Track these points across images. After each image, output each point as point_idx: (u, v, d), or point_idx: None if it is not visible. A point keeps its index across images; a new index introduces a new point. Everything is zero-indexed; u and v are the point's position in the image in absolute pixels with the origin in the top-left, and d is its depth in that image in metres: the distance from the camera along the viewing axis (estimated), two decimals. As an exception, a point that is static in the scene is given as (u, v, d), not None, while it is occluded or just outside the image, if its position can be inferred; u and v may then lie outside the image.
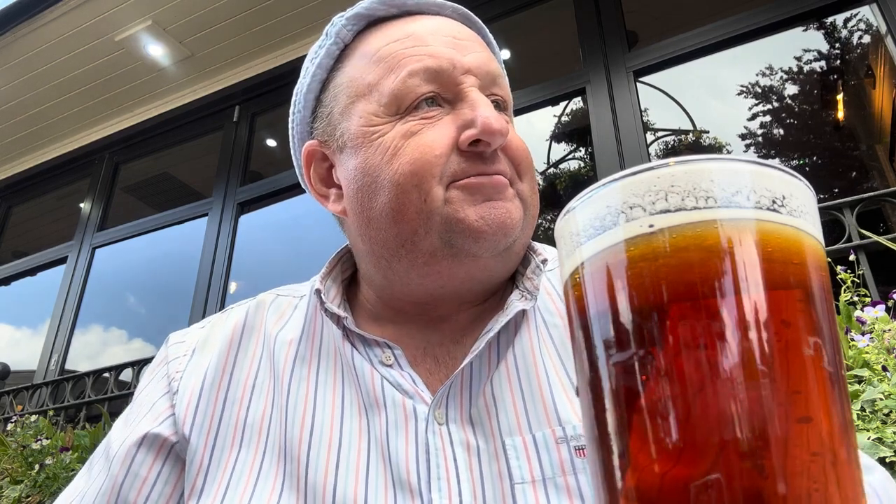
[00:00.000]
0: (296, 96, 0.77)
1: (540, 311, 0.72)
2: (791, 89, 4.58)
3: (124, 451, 0.69)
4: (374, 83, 0.68)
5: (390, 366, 0.68)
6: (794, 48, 4.10)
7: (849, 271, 1.90)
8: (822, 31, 4.05)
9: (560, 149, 4.72)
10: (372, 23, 0.72)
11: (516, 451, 0.61)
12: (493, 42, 0.77)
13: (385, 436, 0.63)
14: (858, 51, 4.22)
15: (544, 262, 0.71)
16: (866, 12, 3.37)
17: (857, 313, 1.70)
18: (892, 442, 1.32)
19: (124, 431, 0.71)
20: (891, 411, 1.39)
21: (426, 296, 0.70)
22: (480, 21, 0.77)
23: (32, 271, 5.46)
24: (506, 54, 4.52)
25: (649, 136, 3.99)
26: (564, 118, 4.49)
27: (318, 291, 0.72)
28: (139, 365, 3.66)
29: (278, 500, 0.61)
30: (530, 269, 0.71)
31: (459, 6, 0.75)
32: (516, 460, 0.60)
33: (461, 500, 0.58)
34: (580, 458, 0.60)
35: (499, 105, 0.71)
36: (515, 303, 0.68)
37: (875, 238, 2.03)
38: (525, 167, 0.69)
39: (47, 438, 3.02)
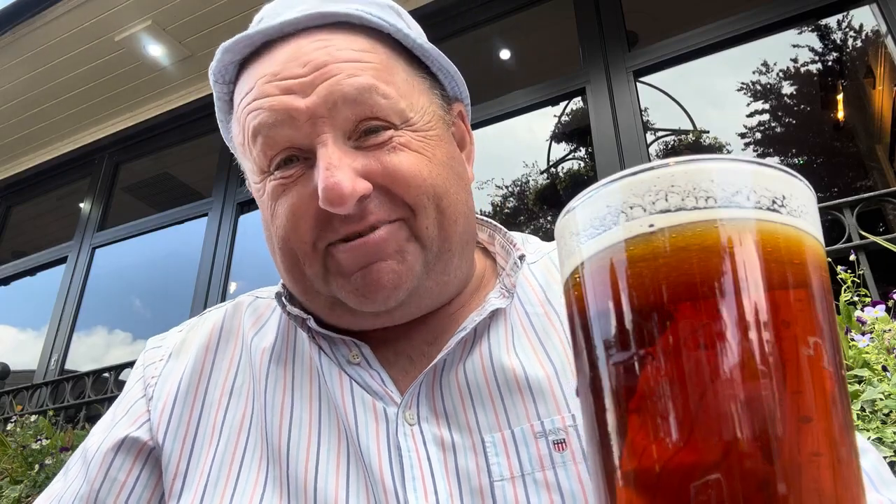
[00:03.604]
0: (218, 118, 0.74)
1: (521, 302, 0.71)
2: (791, 89, 4.58)
3: (101, 455, 0.68)
4: (242, 143, 0.65)
5: (358, 364, 0.66)
6: (794, 48, 4.10)
7: (849, 271, 1.90)
8: (823, 31, 4.05)
9: (560, 149, 4.72)
10: (243, 64, 0.67)
11: (495, 448, 0.60)
12: (380, 22, 0.65)
13: (357, 439, 0.62)
14: (858, 51, 4.22)
15: (521, 257, 0.70)
16: (866, 12, 3.37)
17: (858, 313, 1.70)
18: (892, 442, 1.32)
19: (102, 435, 0.70)
20: (891, 411, 1.39)
21: (361, 327, 0.69)
22: (351, 5, 0.65)
23: (32, 271, 5.46)
24: (506, 54, 4.52)
25: (649, 136, 3.99)
26: (564, 118, 4.49)
27: (278, 294, 0.70)
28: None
29: (261, 497, 0.61)
30: (510, 265, 0.70)
31: (322, 4, 0.64)
32: (495, 457, 0.60)
33: (437, 497, 0.58)
34: (559, 452, 0.59)
35: (373, 130, 0.61)
36: (493, 300, 0.67)
37: (875, 238, 2.03)
38: (419, 199, 0.61)
39: (47, 438, 3.02)
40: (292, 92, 0.60)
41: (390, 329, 0.69)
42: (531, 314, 0.69)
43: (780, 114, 4.67)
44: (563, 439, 0.60)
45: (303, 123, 0.60)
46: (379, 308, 0.63)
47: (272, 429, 0.65)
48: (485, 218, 0.79)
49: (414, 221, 0.62)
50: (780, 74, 4.41)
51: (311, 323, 0.67)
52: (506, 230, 0.77)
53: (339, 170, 0.58)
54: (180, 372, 0.71)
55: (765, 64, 4.33)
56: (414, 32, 0.68)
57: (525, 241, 0.78)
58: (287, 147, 0.61)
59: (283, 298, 0.69)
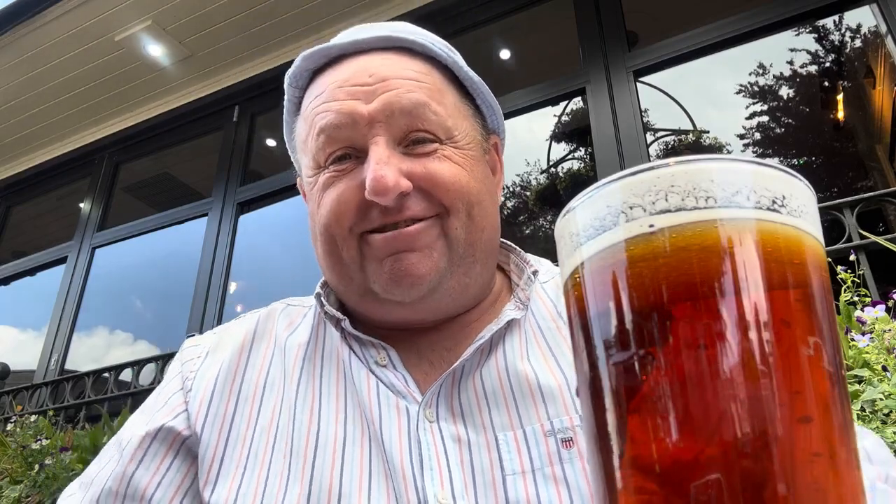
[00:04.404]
0: (284, 115, 0.82)
1: (534, 315, 0.77)
2: (790, 89, 4.58)
3: (137, 441, 0.72)
4: (304, 139, 0.74)
5: (385, 366, 0.72)
6: (793, 49, 4.10)
7: (849, 271, 1.89)
8: (822, 31, 4.05)
9: (560, 149, 4.72)
10: (315, 73, 0.76)
11: (508, 446, 0.65)
12: (440, 52, 0.75)
13: (380, 433, 0.67)
14: (858, 51, 4.22)
15: (535, 273, 0.78)
16: (866, 12, 3.37)
17: (858, 313, 1.70)
18: (893, 442, 1.32)
19: (138, 424, 0.75)
20: (891, 411, 1.39)
21: (390, 323, 0.75)
22: (417, 35, 0.75)
23: (32, 271, 5.45)
24: (506, 54, 4.52)
25: (649, 136, 3.99)
26: (564, 118, 4.49)
27: (318, 295, 0.77)
28: (139, 365, 3.66)
29: (285, 491, 0.65)
30: (524, 280, 0.78)
31: (393, 31, 0.74)
32: (508, 454, 0.65)
33: (452, 486, 0.63)
34: (566, 449, 0.65)
35: (420, 141, 0.70)
36: (508, 312, 0.73)
37: (875, 238, 2.03)
38: (454, 202, 0.69)
39: (47, 438, 3.01)
40: (357, 98, 0.69)
41: (414, 334, 0.75)
42: (543, 327, 0.75)
43: (779, 114, 4.67)
44: (571, 437, 0.65)
45: (362, 126, 0.68)
46: (404, 297, 0.69)
47: (301, 421, 0.70)
48: (503, 240, 0.85)
49: (446, 220, 0.69)
50: (780, 75, 4.41)
51: (346, 324, 0.74)
52: (521, 250, 0.84)
53: (387, 165, 0.66)
54: (217, 368, 0.76)
55: (764, 64, 4.33)
56: (465, 67, 0.77)
57: (539, 262, 0.85)
58: (345, 146, 0.70)
59: (321, 299, 0.76)
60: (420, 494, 0.62)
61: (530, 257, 0.82)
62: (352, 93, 0.69)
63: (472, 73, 0.77)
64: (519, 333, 0.74)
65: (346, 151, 0.70)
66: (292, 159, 0.83)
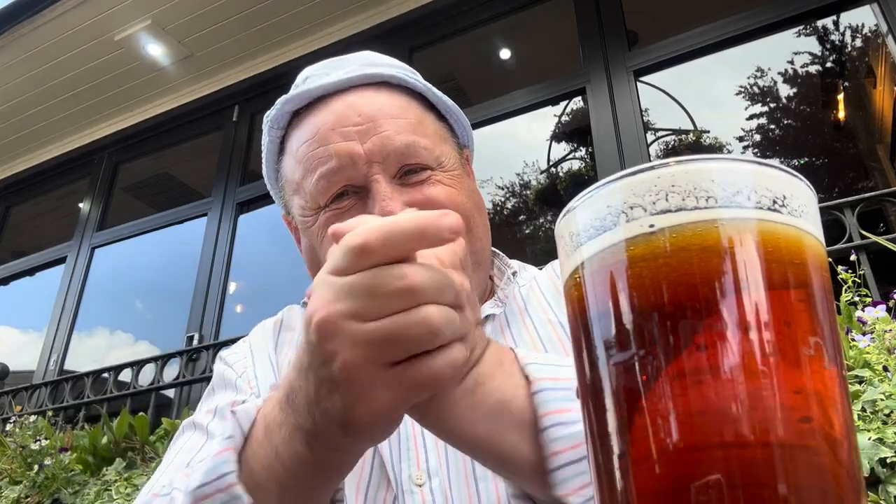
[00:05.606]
0: (264, 154, 0.85)
1: (505, 312, 0.83)
2: (791, 89, 4.58)
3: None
4: (299, 182, 0.78)
5: None
6: (794, 48, 4.10)
7: (850, 271, 1.89)
8: (823, 31, 4.05)
9: (560, 149, 4.72)
10: (296, 113, 0.80)
11: None
12: (415, 82, 0.80)
13: None
14: (859, 50, 4.22)
15: (514, 273, 0.85)
16: (866, 12, 3.37)
17: (858, 313, 1.70)
18: (893, 443, 1.32)
19: (218, 403, 0.75)
20: (891, 412, 1.38)
21: None
22: (389, 67, 0.80)
23: (31, 271, 5.45)
24: (506, 54, 4.52)
25: (649, 136, 3.99)
26: (564, 118, 4.49)
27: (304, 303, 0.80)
28: (138, 365, 3.66)
29: None
30: (504, 280, 0.85)
31: (366, 67, 0.78)
32: None
33: (428, 465, 0.68)
34: None
35: (413, 171, 0.76)
36: (487, 308, 0.80)
37: (875, 238, 2.03)
38: None
39: (46, 439, 3.01)
40: (351, 139, 0.74)
41: None
42: (511, 322, 0.83)
43: (780, 114, 4.67)
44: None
45: (361, 165, 0.73)
46: None
47: None
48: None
49: None
50: (780, 75, 4.41)
51: None
52: (504, 255, 0.91)
53: (392, 200, 0.72)
54: (268, 359, 0.82)
55: (765, 64, 4.33)
56: (435, 90, 0.83)
57: (523, 267, 0.91)
58: (344, 185, 0.75)
59: None
60: (396, 475, 0.68)
61: (514, 262, 0.89)
62: (345, 134, 0.74)
63: (441, 94, 0.83)
64: (491, 326, 0.81)
65: (345, 189, 0.75)
66: (274, 197, 0.87)
